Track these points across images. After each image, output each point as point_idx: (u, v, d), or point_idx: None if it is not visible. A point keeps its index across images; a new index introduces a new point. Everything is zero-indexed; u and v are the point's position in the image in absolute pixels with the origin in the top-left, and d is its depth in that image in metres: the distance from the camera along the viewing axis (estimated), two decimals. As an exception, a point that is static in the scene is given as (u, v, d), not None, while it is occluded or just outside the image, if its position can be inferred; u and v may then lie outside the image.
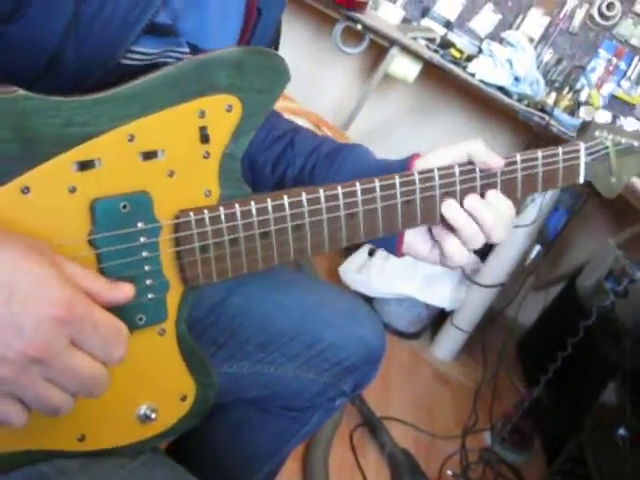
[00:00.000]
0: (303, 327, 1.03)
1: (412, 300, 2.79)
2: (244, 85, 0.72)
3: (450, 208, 0.85)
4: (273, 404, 1.10)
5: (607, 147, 0.99)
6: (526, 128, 2.88)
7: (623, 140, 1.00)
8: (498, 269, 2.70)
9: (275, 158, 1.01)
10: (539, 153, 0.91)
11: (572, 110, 2.85)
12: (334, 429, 2.00)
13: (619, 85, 3.12)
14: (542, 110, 2.65)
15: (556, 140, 2.55)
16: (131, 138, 0.65)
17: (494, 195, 0.87)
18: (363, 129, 3.04)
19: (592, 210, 3.01)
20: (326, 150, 0.99)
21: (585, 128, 0.99)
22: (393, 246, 0.92)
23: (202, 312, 0.97)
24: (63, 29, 0.62)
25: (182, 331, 0.75)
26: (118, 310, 0.61)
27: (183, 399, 0.78)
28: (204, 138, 0.70)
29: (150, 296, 0.70)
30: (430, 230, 0.90)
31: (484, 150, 0.86)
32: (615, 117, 0.92)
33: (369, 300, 2.83)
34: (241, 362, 1.01)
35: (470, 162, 0.87)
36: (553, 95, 2.91)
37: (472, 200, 0.86)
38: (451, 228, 0.86)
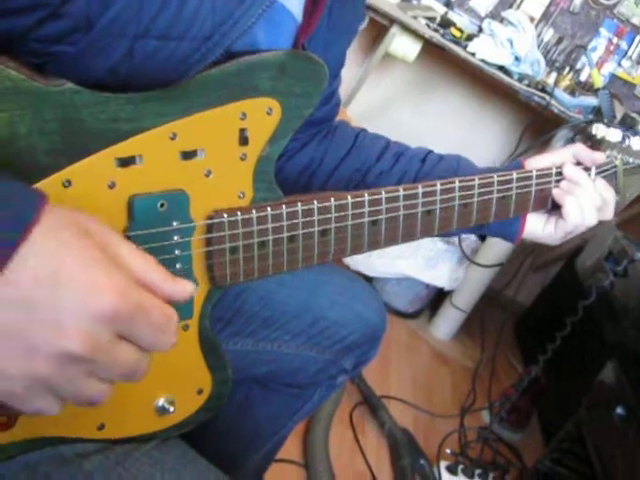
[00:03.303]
0: (306, 305, 1.04)
1: (411, 280, 2.80)
2: (285, 89, 0.72)
3: (571, 168, 0.98)
4: (275, 381, 1.11)
5: (616, 166, 1.03)
6: (526, 108, 2.87)
7: (631, 160, 1.04)
8: (497, 249, 2.70)
9: (388, 171, 1.05)
10: (553, 169, 0.98)
11: (573, 90, 2.84)
12: (334, 407, 2.01)
13: (620, 64, 3.11)
14: (543, 90, 2.64)
15: (556, 120, 2.54)
16: (173, 136, 0.65)
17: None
18: (363, 108, 3.03)
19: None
20: (435, 157, 1.06)
21: (597, 147, 1.03)
22: (514, 233, 1.03)
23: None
24: (116, 61, 0.61)
25: (205, 327, 0.76)
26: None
27: (199, 392, 0.79)
28: (243, 140, 0.70)
29: None
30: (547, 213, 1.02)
31: (585, 149, 0.99)
32: (625, 136, 0.96)
33: (369, 280, 2.83)
34: (245, 339, 1.02)
35: (578, 162, 0.99)
36: (554, 75, 2.90)
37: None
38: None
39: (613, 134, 1.03)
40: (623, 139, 1.03)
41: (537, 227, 1.02)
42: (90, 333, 0.46)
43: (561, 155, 1.00)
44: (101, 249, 0.49)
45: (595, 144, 1.03)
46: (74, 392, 0.49)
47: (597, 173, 0.99)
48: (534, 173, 0.95)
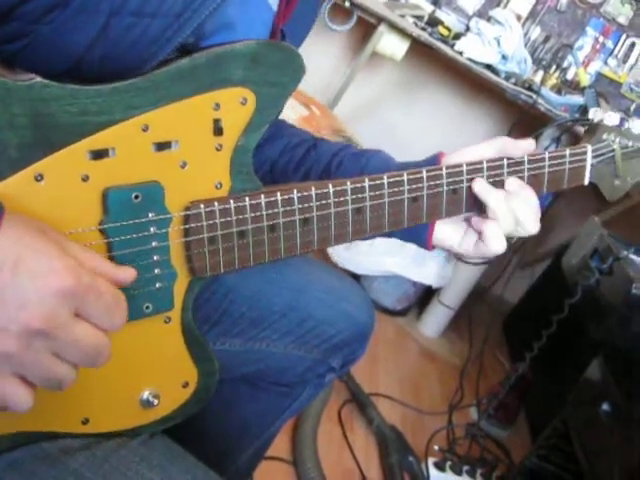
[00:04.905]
0: (294, 304, 1.04)
1: (399, 277, 2.81)
2: (259, 78, 0.71)
3: (480, 185, 0.87)
4: (264, 380, 1.12)
5: (614, 150, 0.99)
6: (513, 106, 2.89)
7: (630, 143, 1.00)
8: (485, 247, 2.71)
9: (298, 159, 1.01)
10: (546, 154, 0.92)
11: (559, 88, 2.86)
12: (323, 405, 2.01)
13: (606, 63, 3.13)
14: (529, 88, 2.66)
15: (543, 118, 2.56)
16: (145, 128, 0.65)
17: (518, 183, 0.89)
18: (351, 107, 3.03)
19: (577, 188, 3.03)
20: (352, 151, 1.00)
21: (593, 130, 0.99)
22: (423, 240, 0.93)
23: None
24: (91, 39, 0.62)
25: (187, 320, 0.76)
26: (126, 298, 0.62)
27: (185, 386, 0.79)
28: (217, 130, 0.70)
29: (157, 285, 0.70)
30: (467, 221, 0.92)
31: (511, 140, 0.89)
32: (623, 119, 0.92)
33: (356, 277, 2.84)
34: (233, 339, 1.03)
35: (499, 157, 0.88)
36: (540, 73, 2.92)
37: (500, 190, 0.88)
38: (486, 215, 0.87)
39: (611, 117, 1.00)
40: (621, 122, 1.00)
41: (453, 241, 0.92)
42: (50, 309, 0.52)
43: (480, 151, 0.90)
44: (56, 242, 0.55)
45: (592, 129, 1.01)
46: (39, 371, 0.54)
47: (593, 157, 0.96)
48: (444, 171, 0.85)
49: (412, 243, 0.94)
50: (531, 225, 0.89)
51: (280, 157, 1.02)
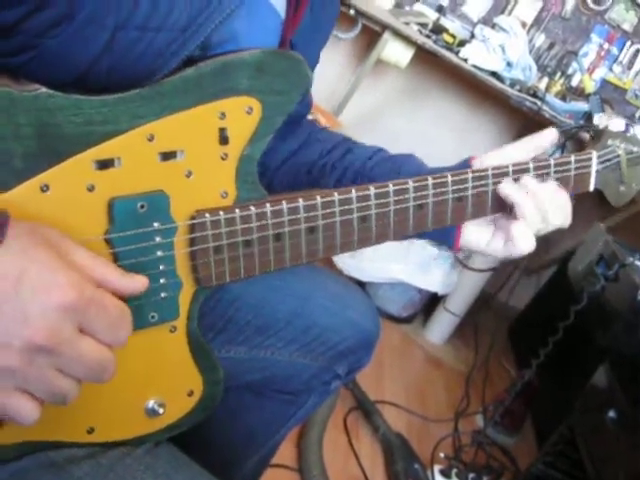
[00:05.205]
0: (299, 312, 1.04)
1: (405, 284, 2.81)
2: (264, 87, 0.71)
3: (507, 186, 0.88)
4: (269, 388, 1.11)
5: (619, 156, 0.99)
6: (518, 113, 2.89)
7: (635, 149, 1.00)
8: (490, 253, 2.70)
9: (334, 162, 1.02)
10: (551, 161, 0.92)
11: (564, 95, 2.86)
12: (328, 412, 2.01)
13: (611, 70, 3.13)
14: (534, 95, 2.66)
15: (547, 125, 2.55)
16: (151, 138, 0.65)
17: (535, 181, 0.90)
18: (355, 114, 3.04)
19: (582, 194, 3.02)
20: (385, 154, 1.01)
21: (598, 136, 0.99)
22: (450, 241, 0.94)
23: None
24: (97, 52, 0.62)
25: (193, 329, 0.76)
26: (131, 307, 0.63)
27: (190, 395, 0.79)
28: (223, 140, 0.70)
29: (163, 295, 0.70)
30: (494, 222, 0.93)
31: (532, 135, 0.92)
32: (628, 125, 0.92)
33: (362, 285, 2.84)
34: (239, 347, 1.03)
35: (504, 165, 0.90)
36: (545, 80, 2.93)
37: (526, 179, 0.90)
38: (513, 216, 0.89)
39: (616, 123, 0.99)
40: (627, 128, 0.99)
41: (481, 242, 0.94)
42: (53, 324, 0.52)
43: (512, 152, 0.92)
44: (59, 254, 0.55)
45: (597, 134, 1.01)
46: (43, 386, 0.54)
47: (599, 163, 0.96)
48: (450, 179, 0.86)
49: (440, 244, 0.97)
50: (560, 219, 0.92)
51: (319, 160, 1.03)
